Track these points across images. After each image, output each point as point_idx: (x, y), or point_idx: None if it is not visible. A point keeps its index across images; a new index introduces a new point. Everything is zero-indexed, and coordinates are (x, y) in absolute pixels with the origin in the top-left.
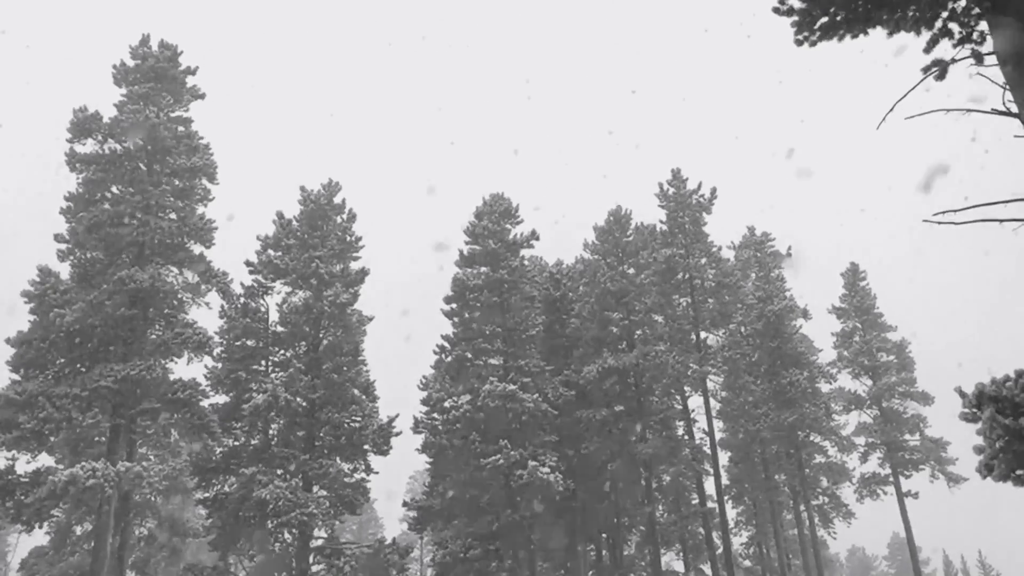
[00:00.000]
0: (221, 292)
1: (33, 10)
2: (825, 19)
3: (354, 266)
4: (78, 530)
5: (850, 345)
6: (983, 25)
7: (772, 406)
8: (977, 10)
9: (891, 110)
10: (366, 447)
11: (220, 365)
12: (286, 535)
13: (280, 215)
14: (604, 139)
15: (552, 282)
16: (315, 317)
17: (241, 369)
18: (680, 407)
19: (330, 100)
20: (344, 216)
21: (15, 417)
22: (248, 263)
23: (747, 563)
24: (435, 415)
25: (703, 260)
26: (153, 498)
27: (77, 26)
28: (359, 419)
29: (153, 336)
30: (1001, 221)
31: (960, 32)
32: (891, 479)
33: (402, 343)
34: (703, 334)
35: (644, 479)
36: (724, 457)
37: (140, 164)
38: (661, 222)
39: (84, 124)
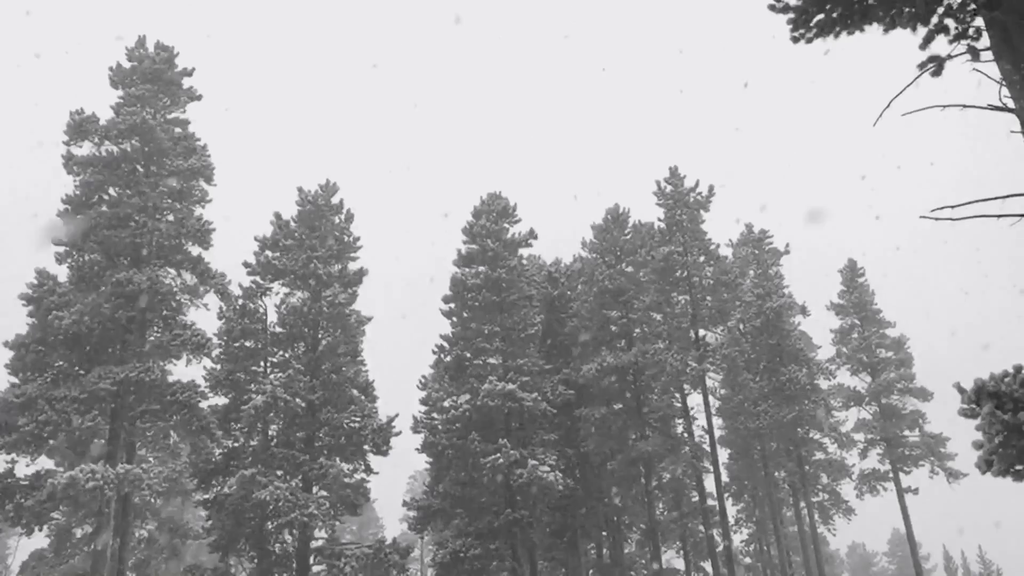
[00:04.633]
0: (219, 293)
1: (32, 11)
2: (821, 16)
3: (352, 266)
4: (78, 532)
5: (849, 341)
6: (979, 21)
7: (771, 403)
8: (973, 6)
9: (887, 106)
10: (366, 447)
11: (219, 366)
12: (286, 536)
13: (278, 216)
14: (608, 138)
15: (550, 281)
16: (313, 318)
17: (240, 370)
18: (679, 405)
19: (330, 98)
20: (342, 216)
21: (14, 420)
22: (246, 264)
23: (748, 560)
24: (434, 415)
25: (701, 258)
26: (153, 500)
27: (75, 27)
28: (358, 419)
29: (152, 338)
30: (998, 217)
31: (956, 28)
32: (891, 475)
33: (401, 343)
34: (702, 332)
35: (644, 477)
36: (724, 454)
37: (137, 166)
38: (659, 220)
39: (81, 126)
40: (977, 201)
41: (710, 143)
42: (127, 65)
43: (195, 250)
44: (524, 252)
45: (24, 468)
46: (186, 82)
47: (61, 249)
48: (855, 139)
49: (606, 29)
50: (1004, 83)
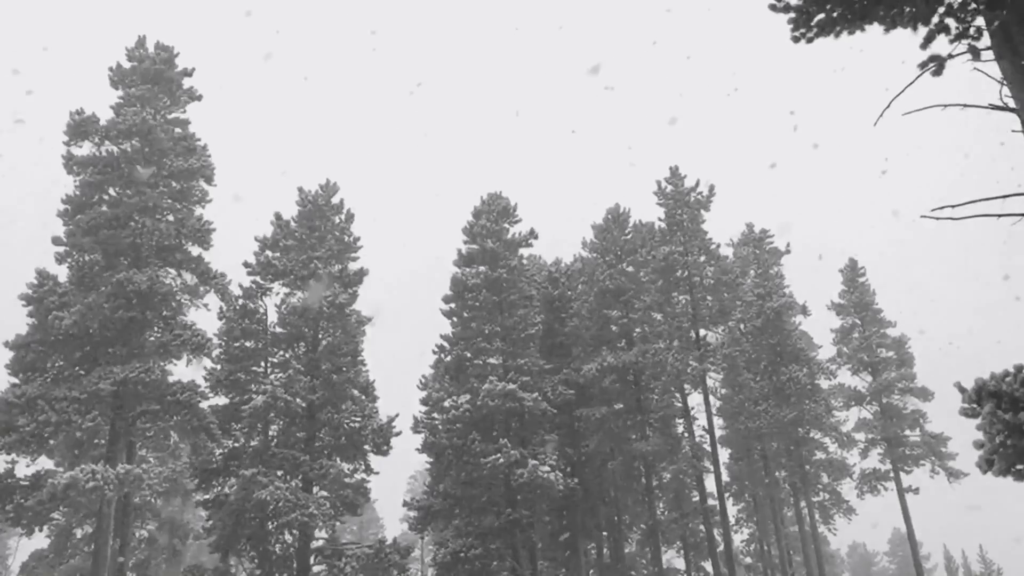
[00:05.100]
0: (219, 293)
1: (31, 11)
2: (821, 16)
3: (352, 266)
4: (78, 533)
5: (850, 341)
6: (980, 20)
7: (772, 403)
8: (973, 5)
9: (888, 106)
10: (366, 447)
11: (219, 367)
12: (287, 536)
13: (278, 216)
14: (601, 137)
15: (551, 281)
16: (314, 318)
17: (240, 370)
18: (680, 404)
19: (330, 97)
20: (342, 216)
21: (14, 420)
22: (246, 264)
23: (748, 560)
24: (435, 415)
25: (702, 257)
26: (153, 500)
27: (75, 28)
28: (359, 419)
29: (152, 338)
30: (999, 216)
31: (957, 28)
32: (891, 475)
33: (401, 343)
34: (702, 331)
35: (644, 477)
36: (724, 454)
37: (137, 166)
38: (660, 220)
39: (81, 127)
40: (977, 200)
41: (709, 144)
42: (127, 65)
43: (195, 250)
44: (524, 252)
45: (24, 468)
46: (186, 82)
47: (61, 249)
48: (854, 135)
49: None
50: (1005, 82)
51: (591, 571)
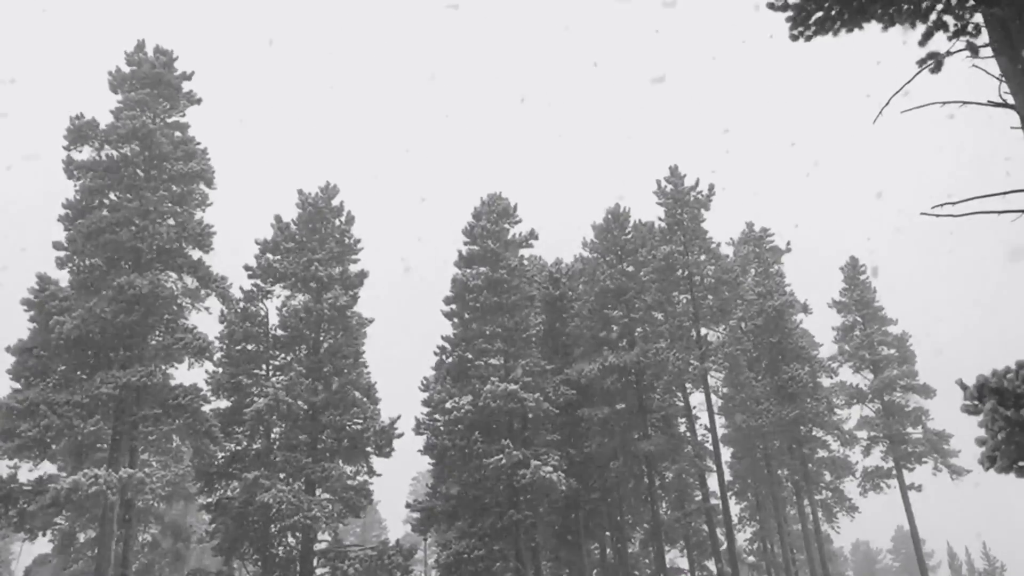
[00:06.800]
0: (220, 297)
1: (30, 15)
2: (820, 14)
3: (353, 268)
4: (81, 537)
5: (851, 339)
6: (977, 17)
7: (774, 401)
8: (971, 2)
9: (887, 104)
10: (368, 449)
11: (221, 370)
12: (290, 539)
13: (278, 219)
14: (599, 135)
15: (551, 281)
16: (315, 320)
17: (242, 373)
18: (682, 404)
19: (329, 97)
20: (342, 219)
21: (17, 425)
22: (247, 267)
23: (751, 559)
24: (437, 416)
25: (702, 256)
26: (156, 504)
27: (75, 31)
28: (361, 421)
29: (153, 342)
30: (999, 212)
31: (955, 25)
32: (894, 472)
33: (403, 344)
34: (703, 330)
35: (647, 476)
36: (727, 453)
37: (137, 170)
38: (660, 219)
39: (81, 131)
40: (978, 197)
41: (709, 143)
42: (126, 69)
43: (196, 254)
44: (525, 252)
45: (27, 473)
46: (185, 86)
47: (62, 254)
48: (855, 134)
49: (602, 25)
50: (1004, 79)
51: (595, 571)
